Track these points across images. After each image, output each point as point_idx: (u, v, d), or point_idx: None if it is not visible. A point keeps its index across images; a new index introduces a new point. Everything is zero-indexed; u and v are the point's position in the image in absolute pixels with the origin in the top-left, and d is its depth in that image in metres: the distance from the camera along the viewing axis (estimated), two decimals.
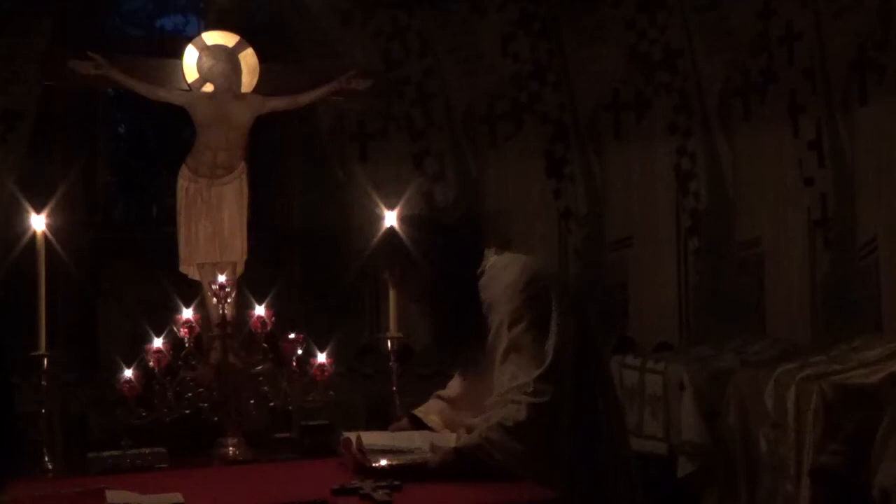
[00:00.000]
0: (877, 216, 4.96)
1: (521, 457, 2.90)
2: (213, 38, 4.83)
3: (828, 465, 4.02)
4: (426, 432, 3.28)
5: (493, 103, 6.00)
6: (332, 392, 4.30)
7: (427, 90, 6.03)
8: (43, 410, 3.97)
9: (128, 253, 5.61)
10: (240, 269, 4.68)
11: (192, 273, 4.71)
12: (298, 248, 5.88)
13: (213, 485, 3.47)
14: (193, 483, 3.43)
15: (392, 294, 4.27)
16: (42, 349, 3.97)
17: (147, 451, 4.00)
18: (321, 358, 4.26)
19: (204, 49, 4.78)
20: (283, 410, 4.31)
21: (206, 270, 4.65)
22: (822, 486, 4.05)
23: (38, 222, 4.10)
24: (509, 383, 2.95)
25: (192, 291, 4.63)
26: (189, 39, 4.91)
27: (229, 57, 4.79)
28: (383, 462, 3.05)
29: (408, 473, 2.98)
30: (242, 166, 4.78)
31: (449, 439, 3.12)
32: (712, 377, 4.82)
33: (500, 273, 3.12)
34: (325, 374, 4.25)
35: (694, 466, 4.80)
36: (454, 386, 3.42)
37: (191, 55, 4.77)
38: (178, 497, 3.18)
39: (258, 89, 4.81)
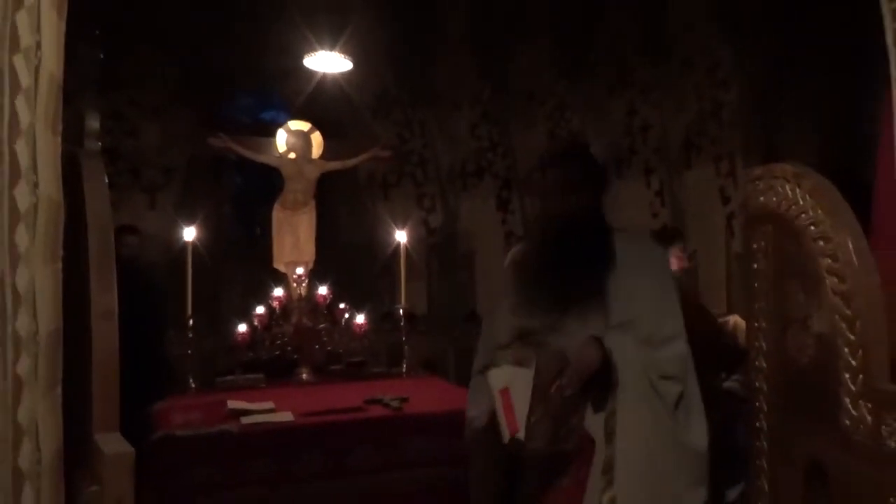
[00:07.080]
0: (697, 237, 5.03)
1: None
2: (295, 125, 4.89)
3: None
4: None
5: (465, 165, 6.02)
6: (366, 341, 4.37)
7: (424, 157, 6.04)
8: (189, 351, 4.02)
9: (242, 256, 5.64)
10: (310, 265, 4.74)
11: (281, 268, 4.77)
12: (345, 253, 5.89)
13: (293, 397, 3.55)
14: (280, 396, 3.51)
15: (402, 280, 4.33)
16: (189, 313, 4.03)
17: (252, 376, 4.07)
18: (360, 319, 4.33)
19: (289, 132, 4.84)
20: (335, 352, 4.37)
21: (290, 266, 4.71)
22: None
23: (189, 233, 4.15)
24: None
25: (280, 279, 4.70)
26: (280, 125, 4.97)
27: (305, 137, 4.85)
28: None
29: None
30: (312, 203, 4.84)
31: None
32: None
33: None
34: (362, 329, 4.32)
35: None
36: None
37: (281, 136, 4.83)
38: (271, 404, 3.26)
39: (322, 156, 4.88)
